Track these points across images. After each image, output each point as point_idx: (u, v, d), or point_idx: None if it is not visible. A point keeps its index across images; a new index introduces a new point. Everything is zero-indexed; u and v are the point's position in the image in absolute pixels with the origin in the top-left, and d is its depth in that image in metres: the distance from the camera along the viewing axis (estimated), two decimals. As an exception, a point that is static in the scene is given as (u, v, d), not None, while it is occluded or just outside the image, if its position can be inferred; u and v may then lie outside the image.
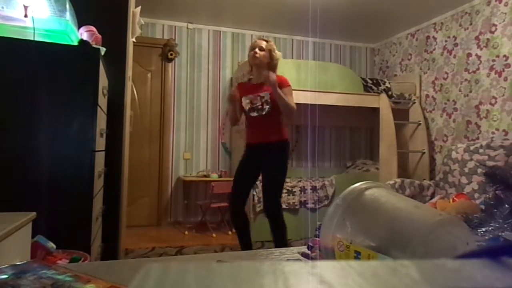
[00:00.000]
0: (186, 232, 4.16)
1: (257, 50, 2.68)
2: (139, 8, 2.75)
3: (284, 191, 4.01)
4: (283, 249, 0.94)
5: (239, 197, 2.77)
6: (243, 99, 2.71)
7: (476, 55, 3.91)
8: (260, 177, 2.80)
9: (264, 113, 2.65)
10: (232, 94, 2.81)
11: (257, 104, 2.66)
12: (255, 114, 2.67)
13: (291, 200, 4.01)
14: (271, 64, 2.72)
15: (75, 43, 1.89)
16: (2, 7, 1.75)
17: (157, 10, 4.35)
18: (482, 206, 0.79)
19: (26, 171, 1.65)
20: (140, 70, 4.57)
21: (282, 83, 2.69)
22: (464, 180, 3.29)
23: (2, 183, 1.60)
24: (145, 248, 3.53)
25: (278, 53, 2.80)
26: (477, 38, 3.91)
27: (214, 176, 4.44)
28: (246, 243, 2.77)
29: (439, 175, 3.65)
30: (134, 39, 2.76)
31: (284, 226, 2.68)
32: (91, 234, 1.73)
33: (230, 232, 4.15)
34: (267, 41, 2.76)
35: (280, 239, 2.66)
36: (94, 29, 2.08)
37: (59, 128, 1.70)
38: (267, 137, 2.69)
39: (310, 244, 0.87)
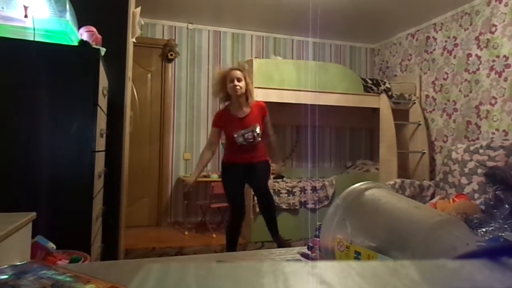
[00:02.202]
0: (186, 233, 4.16)
1: (235, 82, 2.80)
2: (139, 9, 2.75)
3: (284, 191, 4.01)
4: (283, 250, 0.94)
5: (241, 209, 2.99)
6: (235, 136, 2.82)
7: (476, 55, 3.91)
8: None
9: (255, 143, 2.85)
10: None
11: (249, 139, 2.82)
12: (245, 144, 2.83)
13: (291, 200, 4.01)
14: (248, 90, 2.87)
15: (75, 43, 1.89)
16: (2, 8, 1.75)
17: (157, 11, 4.36)
18: (482, 207, 0.79)
19: (26, 171, 1.65)
20: (140, 71, 4.57)
21: (266, 111, 2.97)
22: (464, 180, 3.28)
23: (2, 183, 1.60)
24: (145, 248, 3.53)
25: (250, 82, 2.93)
26: (477, 38, 3.91)
27: (214, 177, 4.44)
28: (235, 245, 3.00)
29: (439, 176, 3.65)
30: (134, 40, 2.76)
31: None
32: (91, 234, 1.73)
33: (230, 233, 4.15)
34: (241, 70, 2.87)
35: (276, 224, 3.03)
36: (94, 29, 2.09)
37: (59, 128, 1.70)
38: (256, 158, 2.90)
39: (310, 244, 0.87)
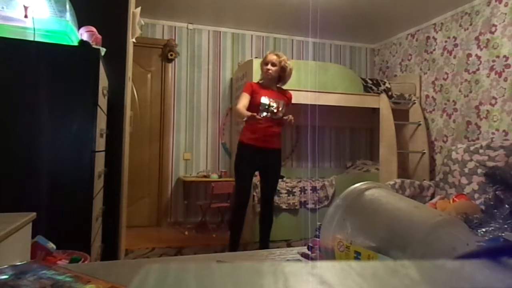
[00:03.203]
0: (186, 233, 4.16)
1: (269, 66, 2.94)
2: (139, 9, 2.75)
3: (284, 191, 4.01)
4: (283, 250, 0.94)
5: (247, 199, 2.98)
6: (263, 99, 2.87)
7: (476, 55, 3.91)
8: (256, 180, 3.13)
9: (275, 117, 2.87)
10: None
11: (274, 107, 2.87)
12: (266, 114, 2.84)
13: (291, 200, 4.01)
14: (283, 77, 3.00)
15: (75, 43, 1.89)
16: (2, 8, 1.75)
17: (157, 11, 4.36)
18: (482, 207, 0.79)
19: (26, 171, 1.65)
20: (140, 71, 4.57)
21: (291, 101, 3.10)
22: (464, 180, 3.29)
23: (2, 184, 1.60)
24: (145, 248, 3.53)
25: (289, 65, 3.02)
26: (477, 38, 3.91)
27: (214, 177, 4.44)
28: (237, 242, 2.97)
29: (439, 176, 3.65)
30: (134, 40, 2.76)
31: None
32: (91, 234, 1.73)
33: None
34: (278, 56, 2.98)
35: (268, 238, 3.05)
36: (94, 29, 2.09)
37: (59, 128, 1.70)
38: (272, 143, 2.92)
39: (310, 244, 0.87)
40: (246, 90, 2.96)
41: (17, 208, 1.27)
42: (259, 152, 2.87)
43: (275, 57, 2.97)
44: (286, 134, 5.12)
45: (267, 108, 2.85)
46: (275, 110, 2.86)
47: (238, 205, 2.96)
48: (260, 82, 3.07)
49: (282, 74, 2.99)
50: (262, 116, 2.80)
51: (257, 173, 3.18)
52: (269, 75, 2.94)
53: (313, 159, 5.08)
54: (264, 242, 3.01)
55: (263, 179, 3.07)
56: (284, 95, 3.04)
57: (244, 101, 2.90)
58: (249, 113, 2.75)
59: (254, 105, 2.87)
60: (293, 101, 4.01)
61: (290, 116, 2.84)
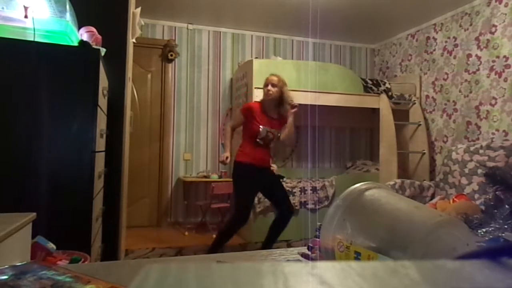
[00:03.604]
0: (186, 233, 4.16)
1: (270, 87, 2.97)
2: (139, 9, 2.75)
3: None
4: (283, 250, 0.94)
5: (248, 216, 3.02)
6: (262, 128, 2.93)
7: (476, 55, 3.91)
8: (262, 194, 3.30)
9: (270, 145, 3.01)
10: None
11: (270, 137, 2.96)
12: (260, 142, 2.93)
13: (291, 200, 4.01)
14: (283, 98, 3.01)
15: (75, 44, 1.89)
16: (2, 8, 1.75)
17: (157, 11, 4.36)
18: (482, 207, 0.78)
19: (26, 171, 1.65)
20: (140, 71, 4.57)
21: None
22: (464, 180, 3.28)
23: (2, 184, 1.60)
24: (145, 248, 3.53)
25: (287, 89, 3.06)
26: (477, 39, 3.91)
27: (214, 177, 4.44)
28: (220, 248, 2.98)
29: (439, 176, 3.65)
30: (134, 40, 2.76)
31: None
32: (91, 234, 1.73)
33: (230, 233, 4.15)
34: (278, 77, 3.02)
35: (277, 239, 3.10)
36: (94, 30, 2.09)
37: (59, 128, 1.70)
38: (268, 162, 3.08)
39: (310, 244, 0.87)
40: (243, 112, 3.03)
41: (17, 208, 1.27)
42: (259, 171, 2.96)
43: (275, 78, 3.00)
44: (286, 134, 5.11)
45: (264, 137, 2.92)
46: (271, 138, 2.97)
47: (236, 223, 2.97)
48: (260, 103, 3.08)
49: (281, 96, 3.00)
50: (256, 141, 2.92)
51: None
52: (270, 96, 2.96)
53: (313, 159, 5.07)
54: (270, 244, 3.04)
55: (270, 192, 3.15)
56: (283, 121, 3.04)
57: (238, 121, 3.09)
58: (226, 153, 3.02)
59: (251, 131, 2.94)
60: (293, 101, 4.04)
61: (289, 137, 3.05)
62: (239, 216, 2.97)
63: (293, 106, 2.96)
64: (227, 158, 3.00)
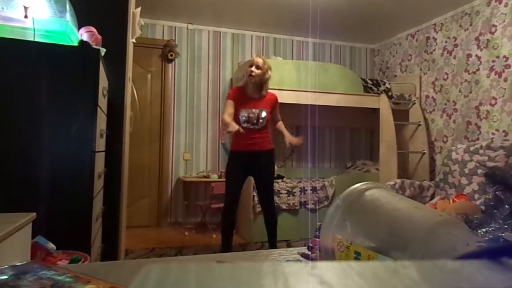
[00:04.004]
0: (186, 233, 4.16)
1: (253, 68, 2.91)
2: (139, 9, 2.75)
3: (284, 191, 4.01)
4: (283, 250, 0.94)
5: (235, 202, 2.97)
6: (241, 111, 2.88)
7: (476, 55, 3.91)
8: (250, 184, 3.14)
9: (258, 127, 2.89)
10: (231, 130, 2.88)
11: (253, 119, 2.88)
12: (247, 125, 2.86)
13: (291, 200, 4.01)
14: (263, 81, 2.94)
15: (75, 44, 1.89)
16: (2, 8, 1.75)
17: (157, 11, 4.36)
18: (482, 207, 0.78)
19: (26, 171, 1.65)
20: (140, 71, 4.57)
21: (277, 103, 3.06)
22: (464, 180, 3.28)
23: (2, 183, 1.60)
24: (145, 248, 3.53)
25: (270, 73, 2.99)
26: (477, 39, 3.91)
27: (214, 177, 4.44)
28: (229, 244, 2.96)
29: (439, 176, 3.65)
30: (134, 40, 2.76)
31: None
32: (91, 234, 1.73)
33: (230, 233, 4.15)
34: (264, 61, 2.96)
35: (275, 238, 3.02)
36: (94, 30, 2.09)
37: (59, 128, 1.70)
38: (260, 146, 2.92)
39: (310, 244, 0.87)
40: (230, 97, 3.00)
41: (17, 208, 1.27)
42: (248, 156, 2.89)
43: (261, 60, 2.95)
44: (286, 134, 5.11)
45: (247, 120, 2.87)
46: (254, 121, 2.89)
47: (226, 209, 2.97)
48: (244, 86, 3.03)
49: (263, 80, 2.95)
50: (244, 127, 2.84)
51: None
52: (252, 78, 2.90)
53: (313, 159, 5.07)
54: (272, 242, 3.04)
55: (257, 182, 3.07)
56: (268, 100, 2.99)
57: (229, 109, 2.96)
58: (235, 126, 2.78)
59: (236, 117, 2.91)
60: (293, 101, 4.04)
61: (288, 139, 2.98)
62: (226, 204, 2.97)
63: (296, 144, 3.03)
64: (238, 129, 2.80)
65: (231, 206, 2.95)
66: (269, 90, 3.05)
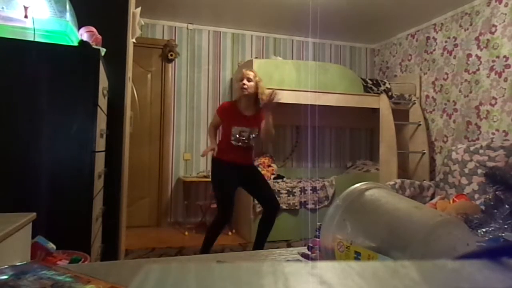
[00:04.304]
0: (186, 233, 4.16)
1: (245, 81, 2.86)
2: (139, 9, 2.75)
3: (284, 191, 4.01)
4: (283, 250, 0.94)
5: (231, 212, 2.95)
6: (233, 129, 2.85)
7: (476, 55, 3.91)
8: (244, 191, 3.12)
9: (245, 146, 2.88)
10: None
11: (244, 138, 2.86)
12: (238, 144, 2.85)
13: (291, 200, 4.01)
14: (258, 94, 2.88)
15: (75, 44, 1.89)
16: (2, 8, 1.75)
17: (157, 11, 4.36)
18: (482, 207, 0.78)
19: (26, 171, 1.65)
20: (140, 71, 4.57)
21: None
22: (464, 180, 3.28)
23: (2, 183, 1.60)
24: (145, 248, 3.53)
25: (262, 84, 2.95)
26: (477, 38, 3.91)
27: (214, 177, 4.43)
28: (210, 248, 2.94)
29: (439, 176, 3.65)
30: (134, 40, 2.76)
31: None
32: (91, 234, 1.73)
33: (230, 233, 4.15)
34: (254, 73, 2.94)
35: (267, 237, 3.01)
36: (94, 30, 2.09)
37: (59, 128, 1.70)
38: (247, 160, 2.97)
39: (310, 244, 0.87)
40: (219, 113, 3.00)
41: (17, 208, 1.27)
42: (238, 168, 2.87)
43: (251, 72, 2.91)
44: (286, 134, 5.12)
45: (237, 138, 2.84)
46: (244, 140, 2.86)
47: (221, 221, 2.91)
48: (236, 101, 2.98)
49: (257, 91, 2.88)
50: (232, 143, 2.85)
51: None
52: (245, 91, 2.84)
53: (313, 159, 5.08)
54: (261, 243, 2.97)
55: (252, 188, 3.04)
56: (262, 116, 2.87)
57: (214, 122, 3.05)
58: (211, 146, 2.92)
59: (226, 131, 2.91)
60: (293, 101, 4.04)
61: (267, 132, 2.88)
62: (222, 214, 2.90)
63: (269, 96, 2.70)
64: (212, 149, 2.91)
65: (228, 220, 2.93)
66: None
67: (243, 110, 2.90)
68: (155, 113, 4.67)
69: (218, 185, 2.94)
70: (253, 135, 2.87)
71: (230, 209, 2.91)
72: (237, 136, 2.83)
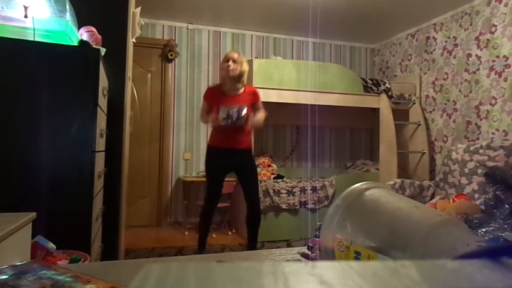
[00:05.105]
0: (186, 233, 4.16)
1: (230, 62, 2.85)
2: (139, 9, 2.75)
3: (284, 191, 4.01)
4: (283, 250, 0.94)
5: (216, 202, 2.95)
6: (220, 110, 2.78)
7: (476, 55, 3.91)
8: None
9: (238, 124, 2.79)
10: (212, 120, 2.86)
11: (233, 117, 2.77)
12: (227, 122, 2.77)
13: (291, 200, 4.01)
14: (241, 73, 2.88)
15: (75, 43, 1.89)
16: (2, 8, 1.75)
17: (157, 11, 4.36)
18: (482, 207, 0.78)
19: (26, 171, 1.65)
20: (140, 71, 4.57)
21: (257, 97, 2.97)
22: (464, 180, 3.28)
23: (2, 183, 1.60)
24: (145, 248, 3.53)
25: (246, 66, 2.95)
26: (477, 38, 3.91)
27: (214, 177, 4.43)
28: (205, 243, 2.95)
29: (439, 176, 3.65)
30: (134, 40, 2.76)
31: None
32: (91, 234, 1.73)
33: (230, 233, 4.15)
34: (239, 54, 2.93)
35: (257, 238, 2.97)
36: (94, 29, 2.09)
37: (59, 128, 1.70)
38: (239, 143, 2.87)
39: (310, 244, 0.87)
40: (204, 98, 2.99)
41: (17, 208, 1.27)
42: (228, 153, 2.84)
43: (236, 54, 2.91)
44: (286, 134, 5.12)
45: (227, 117, 2.77)
46: (234, 119, 2.77)
47: (207, 208, 2.93)
48: (220, 84, 2.97)
49: (242, 73, 2.89)
50: (223, 124, 2.76)
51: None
52: (231, 72, 2.82)
53: (313, 159, 5.08)
54: (253, 243, 2.97)
55: (240, 180, 3.03)
56: (248, 94, 2.92)
57: (203, 108, 3.00)
58: (211, 116, 2.78)
59: (216, 114, 2.87)
60: (293, 101, 4.05)
61: (253, 122, 2.86)
62: (207, 198, 2.93)
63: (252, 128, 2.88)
64: (215, 116, 2.80)
65: (212, 206, 2.93)
66: (247, 85, 2.99)
67: (228, 91, 2.89)
68: (155, 112, 4.67)
69: (207, 171, 2.97)
70: (243, 112, 2.78)
71: (215, 196, 2.92)
72: (227, 115, 2.76)
